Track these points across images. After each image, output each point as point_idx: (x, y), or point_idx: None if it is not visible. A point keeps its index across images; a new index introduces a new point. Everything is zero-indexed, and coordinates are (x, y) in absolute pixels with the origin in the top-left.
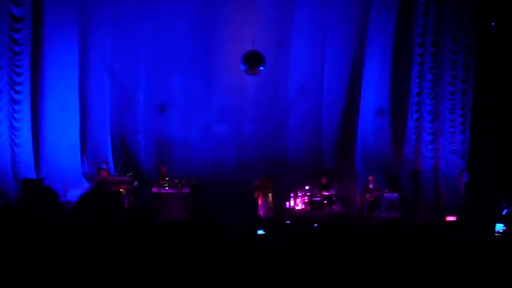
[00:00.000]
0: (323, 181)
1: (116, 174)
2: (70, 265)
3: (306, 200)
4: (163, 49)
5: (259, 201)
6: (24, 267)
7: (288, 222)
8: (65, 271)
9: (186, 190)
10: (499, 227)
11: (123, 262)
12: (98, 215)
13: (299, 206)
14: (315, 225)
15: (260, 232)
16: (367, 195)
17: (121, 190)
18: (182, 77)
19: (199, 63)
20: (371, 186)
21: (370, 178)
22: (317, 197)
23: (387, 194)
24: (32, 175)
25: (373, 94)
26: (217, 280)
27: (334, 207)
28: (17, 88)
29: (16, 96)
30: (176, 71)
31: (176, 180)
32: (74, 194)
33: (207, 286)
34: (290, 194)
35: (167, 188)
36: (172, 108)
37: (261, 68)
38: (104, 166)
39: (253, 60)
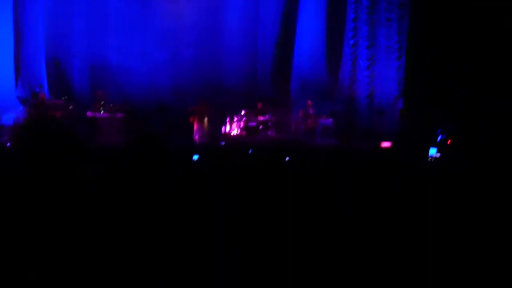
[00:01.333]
0: (259, 106)
1: (51, 97)
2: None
3: (241, 126)
4: None
5: (195, 126)
6: None
7: (222, 143)
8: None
9: (120, 115)
10: (433, 151)
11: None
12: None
13: (235, 131)
14: (250, 151)
15: (196, 157)
16: (308, 121)
17: (56, 113)
18: (118, 0)
19: None
20: (311, 111)
21: (309, 103)
22: (253, 122)
23: (322, 120)
24: None
25: (309, 19)
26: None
27: (269, 132)
28: None
29: None
30: None
31: (111, 104)
32: (8, 117)
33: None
34: (225, 119)
35: (102, 112)
36: (108, 31)
37: None
38: (37, 89)
39: None
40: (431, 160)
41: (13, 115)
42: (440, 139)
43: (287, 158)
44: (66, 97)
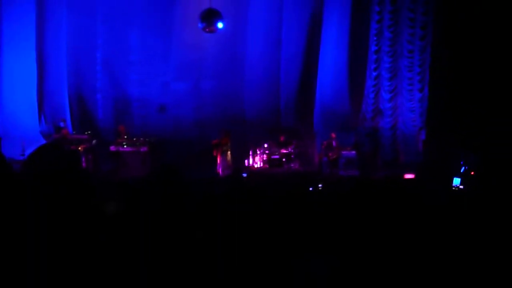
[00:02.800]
0: (282, 138)
1: (74, 132)
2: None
3: (264, 158)
4: (120, 5)
5: (218, 159)
6: None
7: (245, 175)
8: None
9: (144, 149)
10: (456, 181)
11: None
12: (54, 170)
13: (258, 164)
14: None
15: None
16: (330, 153)
17: (79, 148)
18: (140, 34)
19: (157, 19)
20: (334, 144)
21: (333, 135)
22: (276, 154)
23: (345, 152)
24: None
25: (331, 51)
26: (182, 238)
27: (292, 165)
28: None
29: None
30: (133, 27)
31: (134, 138)
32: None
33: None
34: (248, 152)
35: (125, 146)
36: (130, 65)
37: (218, 25)
38: (61, 124)
39: (210, 17)
40: (455, 190)
41: None
42: (464, 170)
43: (310, 189)
44: (89, 131)
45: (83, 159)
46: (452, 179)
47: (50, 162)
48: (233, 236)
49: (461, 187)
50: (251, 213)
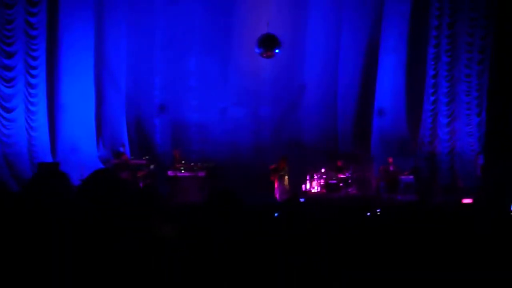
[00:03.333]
0: (339, 163)
1: (132, 157)
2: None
3: (322, 183)
4: (179, 31)
5: (276, 184)
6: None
7: (302, 200)
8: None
9: (201, 174)
10: None
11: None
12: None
13: (315, 188)
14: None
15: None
16: (387, 178)
17: (138, 175)
18: (198, 59)
19: (215, 45)
20: (391, 168)
21: (390, 160)
22: (333, 179)
23: (403, 177)
24: (48, 158)
25: (389, 76)
26: (237, 265)
27: (350, 189)
28: (33, 72)
29: (32, 80)
30: (192, 53)
31: (192, 163)
32: None
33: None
34: (306, 177)
35: (183, 171)
36: (188, 90)
37: (276, 51)
38: (121, 149)
39: (268, 43)
40: None
41: None
42: None
43: (368, 214)
44: (148, 156)
45: (141, 185)
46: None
47: (104, 189)
48: (292, 261)
49: None
50: (308, 238)
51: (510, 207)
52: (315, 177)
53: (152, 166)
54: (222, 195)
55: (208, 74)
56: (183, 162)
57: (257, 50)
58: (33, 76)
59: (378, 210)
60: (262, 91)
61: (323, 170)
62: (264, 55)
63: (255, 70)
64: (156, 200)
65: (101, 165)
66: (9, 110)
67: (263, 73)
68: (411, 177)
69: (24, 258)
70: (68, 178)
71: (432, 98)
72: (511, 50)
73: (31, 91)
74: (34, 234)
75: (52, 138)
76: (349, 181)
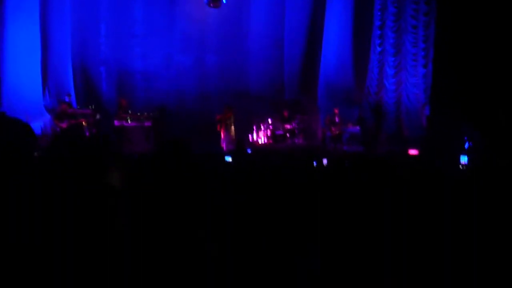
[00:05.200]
0: (285, 114)
1: (79, 106)
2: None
3: (268, 134)
4: None
5: (222, 134)
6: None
7: (249, 151)
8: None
9: (148, 123)
10: (463, 159)
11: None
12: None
13: (262, 139)
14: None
15: (228, 158)
16: (333, 128)
17: (83, 123)
18: (143, 6)
19: None
20: (336, 119)
21: (336, 111)
22: (280, 130)
23: (349, 127)
24: None
25: (336, 25)
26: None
27: (296, 140)
28: None
29: None
30: (137, 0)
31: (138, 113)
32: (35, 126)
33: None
34: (252, 127)
35: (129, 121)
36: (133, 37)
37: (223, 0)
38: (66, 98)
39: None
40: (462, 167)
41: (40, 124)
42: (468, 146)
43: (314, 163)
44: (93, 105)
45: (87, 133)
46: (457, 156)
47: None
48: (238, 213)
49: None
50: (255, 188)
51: (459, 159)
52: (262, 127)
53: (98, 116)
54: (171, 144)
55: (153, 21)
56: (129, 111)
57: (204, 0)
58: None
59: (324, 160)
60: (208, 39)
61: (269, 121)
62: (211, 4)
63: (201, 18)
64: (109, 148)
65: (46, 114)
66: None
67: (209, 20)
68: (357, 127)
69: None
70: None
71: (379, 48)
72: (457, 1)
73: None
74: None
75: None
76: (296, 131)
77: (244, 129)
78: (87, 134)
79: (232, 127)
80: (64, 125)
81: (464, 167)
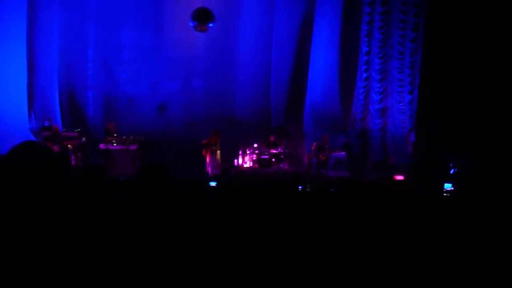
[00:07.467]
0: (272, 138)
1: (64, 130)
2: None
3: (254, 158)
4: (112, 3)
5: (207, 158)
6: None
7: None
8: None
9: (133, 147)
10: (447, 186)
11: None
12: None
13: (247, 164)
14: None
15: (212, 183)
16: (320, 155)
17: (68, 146)
18: (131, 32)
19: (147, 17)
20: (326, 146)
21: (326, 137)
22: (265, 155)
23: (334, 153)
24: None
25: (322, 52)
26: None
27: (282, 165)
28: None
29: None
30: (125, 25)
31: (124, 137)
32: None
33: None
34: (238, 152)
35: (114, 144)
36: (120, 63)
37: (210, 25)
38: (47, 123)
39: (202, 16)
40: (446, 194)
41: None
42: (453, 172)
43: (299, 187)
44: (79, 129)
45: (73, 157)
46: (442, 182)
47: (29, 160)
48: (220, 234)
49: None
50: (239, 211)
51: (443, 187)
52: (248, 152)
53: (83, 139)
54: (151, 168)
55: (141, 46)
56: (115, 135)
57: (191, 24)
58: None
59: (308, 186)
60: (195, 63)
61: (255, 145)
62: (198, 28)
63: (188, 43)
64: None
65: (32, 137)
66: None
67: (196, 45)
68: (343, 153)
69: None
70: None
71: (365, 74)
72: (444, 28)
73: None
74: None
75: None
76: (282, 156)
77: (230, 154)
78: (73, 158)
79: (218, 152)
80: (54, 147)
81: (448, 194)
